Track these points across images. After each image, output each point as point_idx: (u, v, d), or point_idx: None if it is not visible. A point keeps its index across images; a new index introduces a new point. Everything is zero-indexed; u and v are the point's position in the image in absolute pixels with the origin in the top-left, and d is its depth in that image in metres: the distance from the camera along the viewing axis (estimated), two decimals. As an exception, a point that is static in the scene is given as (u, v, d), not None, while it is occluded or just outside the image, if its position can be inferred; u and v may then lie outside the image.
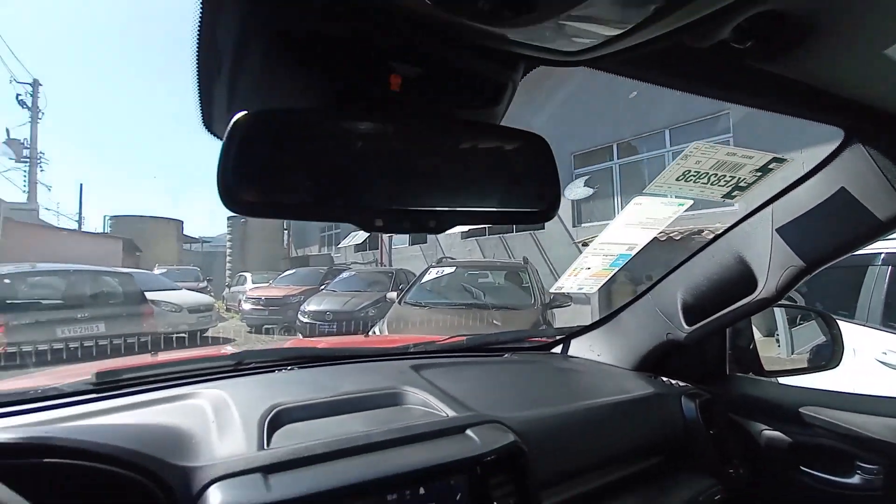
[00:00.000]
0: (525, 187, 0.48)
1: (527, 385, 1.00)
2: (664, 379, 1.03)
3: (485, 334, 1.32)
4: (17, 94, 14.51)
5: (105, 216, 21.52)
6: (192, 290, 9.74)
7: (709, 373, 1.07)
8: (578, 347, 1.23)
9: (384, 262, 13.76)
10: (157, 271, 11.61)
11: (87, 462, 0.50)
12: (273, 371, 0.97)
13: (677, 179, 1.02)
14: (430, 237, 12.52)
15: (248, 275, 12.76)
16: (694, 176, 1.02)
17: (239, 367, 0.97)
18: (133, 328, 5.94)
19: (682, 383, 1.01)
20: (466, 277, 5.38)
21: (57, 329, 5.23)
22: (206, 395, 0.80)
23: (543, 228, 9.28)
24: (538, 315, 4.20)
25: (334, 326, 6.98)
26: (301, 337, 7.01)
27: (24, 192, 16.10)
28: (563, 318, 4.95)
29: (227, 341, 8.30)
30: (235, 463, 0.55)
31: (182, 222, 24.58)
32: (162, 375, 0.92)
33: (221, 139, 0.37)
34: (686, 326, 0.97)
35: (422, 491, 0.57)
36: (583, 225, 8.70)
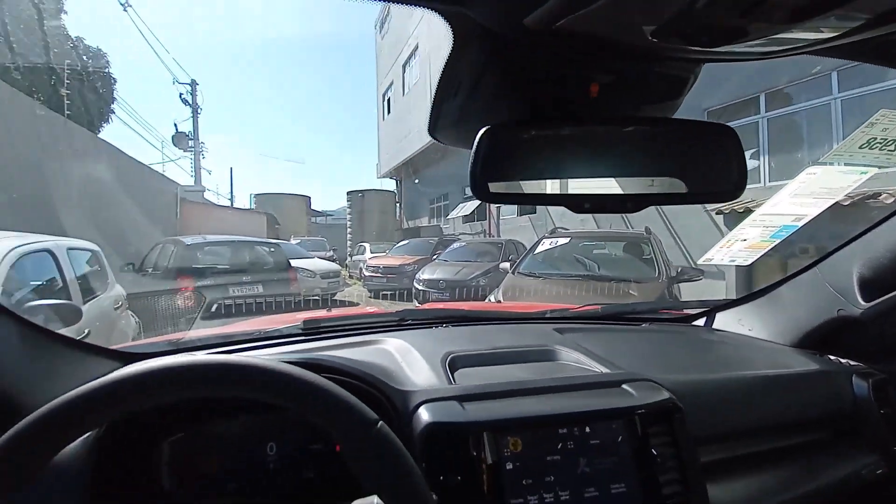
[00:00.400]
0: (712, 170, 0.52)
1: (671, 352, 1.03)
2: (831, 357, 0.98)
3: (620, 304, 1.36)
4: (181, 94, 17.28)
5: (251, 194, 24.98)
6: (322, 258, 10.99)
7: (888, 351, 0.98)
8: (725, 321, 1.20)
9: (492, 233, 13.93)
10: (293, 241, 13.31)
11: (347, 378, 0.69)
12: (430, 327, 1.14)
13: (860, 147, 0.91)
14: (540, 207, 12.29)
15: (366, 245, 13.91)
16: (880, 143, 0.91)
17: (402, 322, 1.16)
18: (282, 290, 6.96)
19: (852, 362, 0.95)
20: (581, 249, 5.26)
21: (229, 289, 6.39)
22: (389, 343, 0.99)
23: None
24: (662, 289, 3.97)
25: (447, 294, 7.36)
26: (417, 303, 7.55)
27: (192, 176, 19.52)
28: (691, 295, 4.60)
29: (351, 304, 9.27)
30: (436, 391, 0.70)
31: (309, 198, 27.53)
32: (348, 325, 1.14)
33: (441, 143, 0.49)
34: (863, 303, 0.90)
35: (588, 430, 0.66)
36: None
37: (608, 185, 0.49)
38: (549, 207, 11.85)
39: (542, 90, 0.49)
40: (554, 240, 5.45)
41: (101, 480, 0.59)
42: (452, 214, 16.57)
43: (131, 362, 0.90)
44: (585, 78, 0.47)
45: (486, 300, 4.53)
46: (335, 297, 9.23)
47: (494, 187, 0.48)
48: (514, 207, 13.28)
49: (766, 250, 1.25)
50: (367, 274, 10.41)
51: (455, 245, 9.63)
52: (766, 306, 1.13)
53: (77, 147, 8.17)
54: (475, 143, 0.46)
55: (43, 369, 0.73)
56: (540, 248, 5.33)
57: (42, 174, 6.64)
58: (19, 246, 2.95)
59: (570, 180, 0.49)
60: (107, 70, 12.73)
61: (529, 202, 0.50)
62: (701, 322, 1.27)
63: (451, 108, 0.51)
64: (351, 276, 13.23)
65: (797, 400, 0.86)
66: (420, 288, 7.83)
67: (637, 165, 0.50)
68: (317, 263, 9.69)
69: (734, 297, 1.24)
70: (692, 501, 0.66)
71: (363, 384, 0.68)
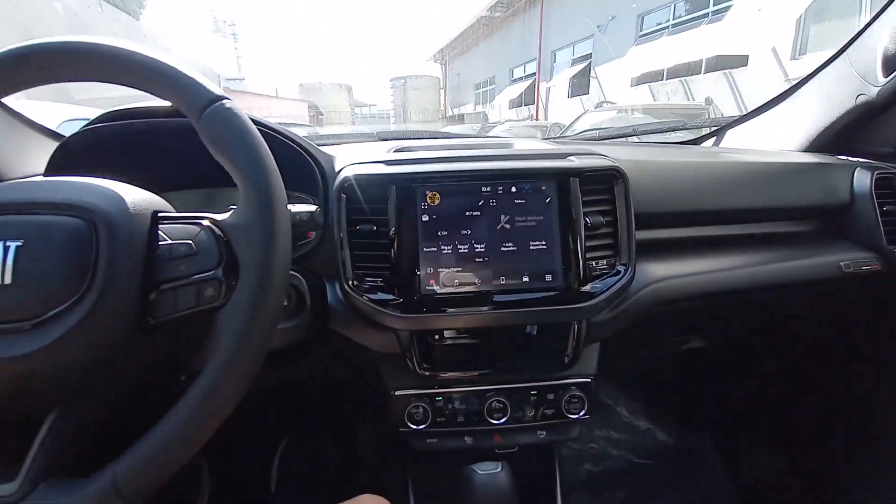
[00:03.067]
0: None
1: (653, 157, 0.95)
2: (839, 156, 0.86)
3: (619, 127, 1.24)
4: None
5: (299, 84, 24.54)
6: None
7: None
8: (735, 138, 1.08)
9: (538, 117, 13.07)
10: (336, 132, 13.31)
11: (273, 133, 0.67)
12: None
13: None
14: (594, 87, 11.18)
15: (409, 134, 13.58)
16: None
17: (380, 139, 1.13)
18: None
19: (862, 160, 0.83)
20: (626, 125, 4.82)
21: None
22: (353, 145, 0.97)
23: (745, 66, 7.34)
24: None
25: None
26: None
27: (237, 62, 19.27)
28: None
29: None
30: (364, 158, 0.68)
31: (351, 87, 26.68)
32: (333, 140, 1.13)
33: None
34: (881, 79, 0.75)
35: (513, 189, 0.63)
36: (808, 55, 6.51)
37: None
38: (603, 85, 10.73)
39: None
40: (598, 114, 5.02)
41: None
42: (498, 99, 15.55)
43: None
44: None
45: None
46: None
47: None
48: (564, 89, 12.17)
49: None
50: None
51: (495, 130, 9.15)
52: (783, 113, 0.99)
53: (117, 32, 8.12)
54: None
55: None
56: (580, 125, 4.95)
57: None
58: (70, 120, 3.12)
59: None
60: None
61: None
62: (710, 143, 1.15)
63: None
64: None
65: (784, 187, 0.78)
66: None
67: None
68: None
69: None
70: (617, 265, 0.64)
71: (301, 150, 0.67)
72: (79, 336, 0.34)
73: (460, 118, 16.89)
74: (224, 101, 0.40)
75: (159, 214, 0.40)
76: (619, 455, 1.26)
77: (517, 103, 14.91)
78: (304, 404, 1.16)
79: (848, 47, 0.84)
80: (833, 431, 0.97)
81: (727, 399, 1.18)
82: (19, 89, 0.42)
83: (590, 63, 11.29)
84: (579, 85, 11.64)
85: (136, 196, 0.40)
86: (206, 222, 0.40)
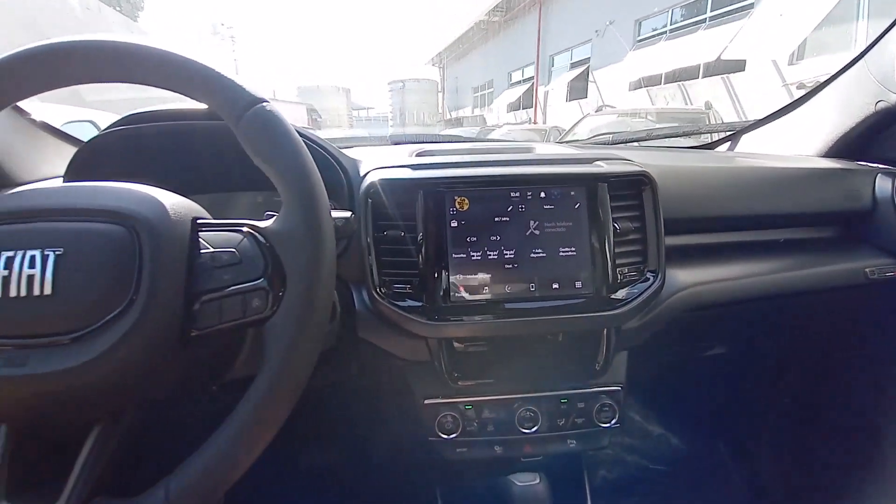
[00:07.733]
0: None
1: (674, 162, 0.95)
2: (859, 162, 0.86)
3: (634, 131, 1.23)
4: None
5: (298, 87, 24.47)
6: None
7: None
8: (751, 143, 1.08)
9: (537, 121, 13.10)
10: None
11: (314, 144, 0.67)
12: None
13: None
14: (592, 90, 11.23)
15: (408, 137, 13.57)
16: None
17: (391, 143, 1.13)
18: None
19: (882, 166, 0.83)
20: (628, 129, 4.83)
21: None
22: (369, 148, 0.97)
23: (743, 70, 7.40)
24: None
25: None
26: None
27: (234, 64, 19.29)
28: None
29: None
30: (389, 164, 0.67)
31: (350, 90, 26.69)
32: (342, 143, 1.13)
33: None
34: None
35: (542, 195, 0.63)
36: (805, 60, 6.60)
37: None
38: (602, 88, 10.78)
39: None
40: (598, 118, 5.04)
41: None
42: (496, 102, 15.59)
43: None
44: None
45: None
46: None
47: None
48: (563, 93, 12.22)
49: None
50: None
51: (495, 134, 9.17)
52: (801, 118, 0.99)
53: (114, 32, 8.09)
54: None
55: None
56: (580, 129, 4.96)
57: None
58: (70, 122, 3.10)
59: None
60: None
61: None
62: (725, 147, 1.15)
63: None
64: (392, 169, 13.14)
65: (807, 193, 0.78)
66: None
67: None
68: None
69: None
70: (646, 271, 0.64)
71: (318, 147, 0.66)
72: (124, 348, 0.32)
73: (458, 122, 16.91)
74: (264, 104, 0.39)
75: (199, 221, 0.39)
76: (633, 461, 1.25)
77: (515, 107, 14.95)
78: (324, 415, 1.15)
79: (866, 53, 0.84)
80: (852, 440, 0.97)
81: (743, 406, 1.17)
82: (45, 89, 0.40)
83: (588, 67, 11.34)
84: (578, 89, 11.69)
85: (174, 201, 0.39)
86: (247, 229, 0.39)
